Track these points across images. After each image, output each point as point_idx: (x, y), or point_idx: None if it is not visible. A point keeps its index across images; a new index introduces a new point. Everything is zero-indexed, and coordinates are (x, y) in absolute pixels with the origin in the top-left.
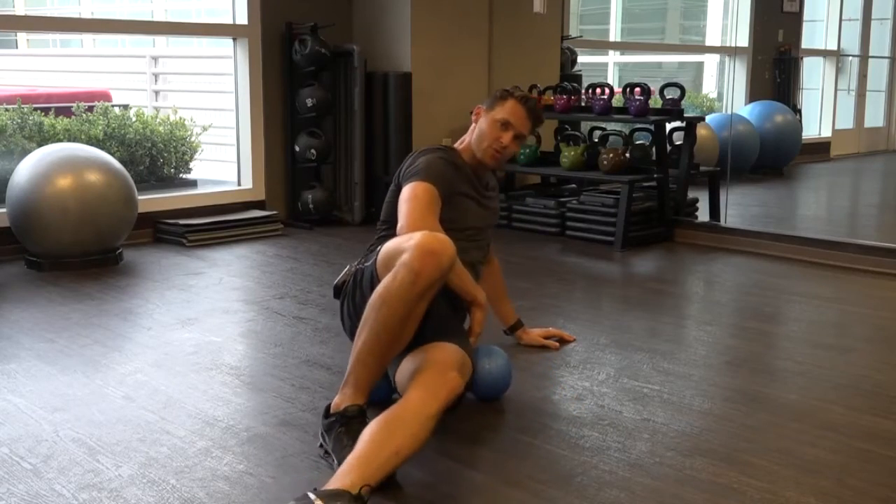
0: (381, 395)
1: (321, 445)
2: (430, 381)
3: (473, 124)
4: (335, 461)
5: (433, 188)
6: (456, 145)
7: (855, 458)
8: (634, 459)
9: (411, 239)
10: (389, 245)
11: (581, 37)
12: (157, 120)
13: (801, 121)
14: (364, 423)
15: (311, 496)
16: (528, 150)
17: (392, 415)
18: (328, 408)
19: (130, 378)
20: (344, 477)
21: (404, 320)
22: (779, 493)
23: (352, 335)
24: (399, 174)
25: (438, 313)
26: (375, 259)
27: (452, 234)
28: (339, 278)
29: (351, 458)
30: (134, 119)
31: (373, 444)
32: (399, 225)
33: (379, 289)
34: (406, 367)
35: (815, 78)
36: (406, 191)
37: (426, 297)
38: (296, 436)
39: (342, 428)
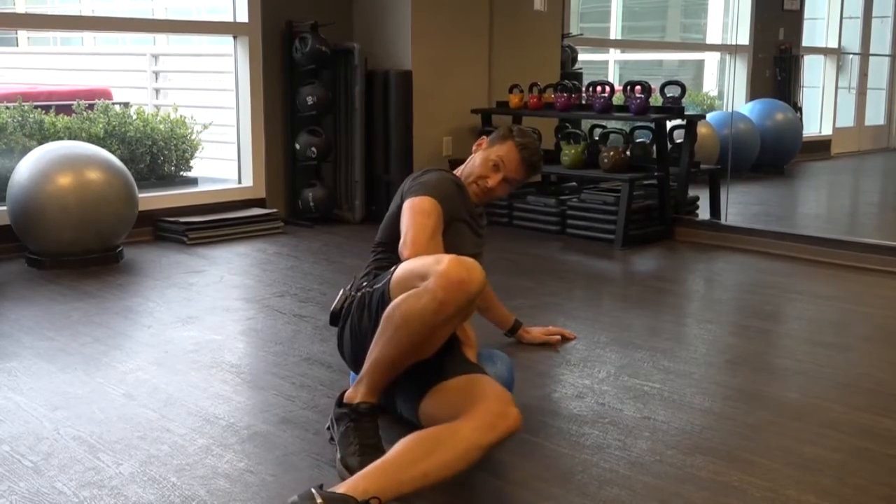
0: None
1: (328, 428)
2: (488, 413)
3: (473, 154)
4: (339, 455)
5: (439, 206)
6: (456, 172)
7: (855, 457)
8: (635, 457)
9: (439, 264)
10: (410, 266)
11: (581, 35)
12: (158, 118)
13: (801, 119)
14: (374, 422)
15: (314, 492)
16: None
17: (437, 434)
18: (341, 396)
19: (131, 376)
20: (357, 482)
21: (427, 339)
22: (779, 491)
23: (353, 360)
24: (402, 192)
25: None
26: (389, 281)
27: None
28: (335, 304)
29: (373, 465)
30: (134, 117)
31: (402, 459)
32: (403, 237)
33: (400, 304)
34: (439, 399)
35: (815, 76)
36: (413, 203)
37: (451, 323)
38: (296, 434)
39: (351, 424)
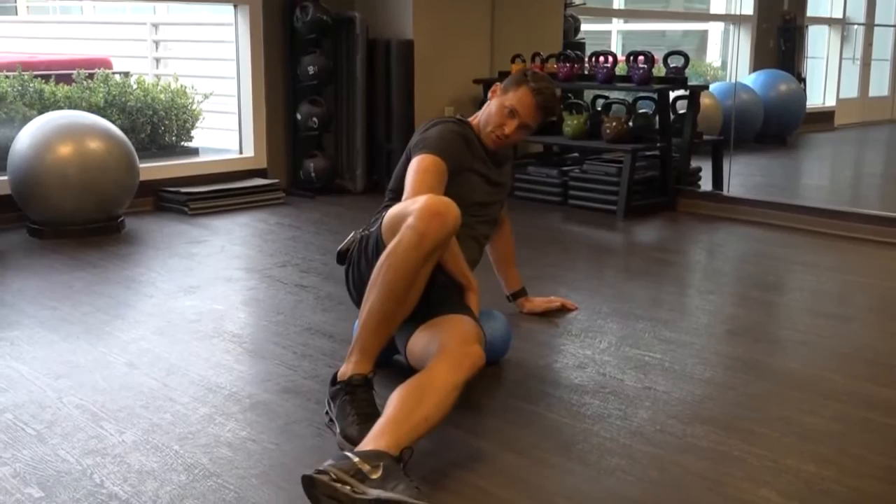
0: (381, 358)
1: (327, 413)
2: (454, 352)
3: (489, 101)
4: (338, 429)
5: (441, 161)
6: (469, 119)
7: (856, 427)
8: (636, 427)
9: (416, 202)
10: (394, 210)
11: (584, 4)
12: (159, 87)
13: (805, 90)
14: (369, 393)
15: (349, 454)
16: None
17: (419, 382)
18: (335, 376)
19: (133, 345)
20: (378, 439)
21: (410, 283)
22: (779, 460)
23: (358, 303)
24: (410, 146)
25: (442, 284)
26: (380, 224)
27: None
28: (343, 244)
29: (382, 422)
30: (135, 87)
31: (403, 409)
32: (404, 196)
33: (385, 252)
34: (420, 339)
35: (819, 46)
36: (414, 162)
37: (431, 259)
38: (298, 403)
39: (347, 397)
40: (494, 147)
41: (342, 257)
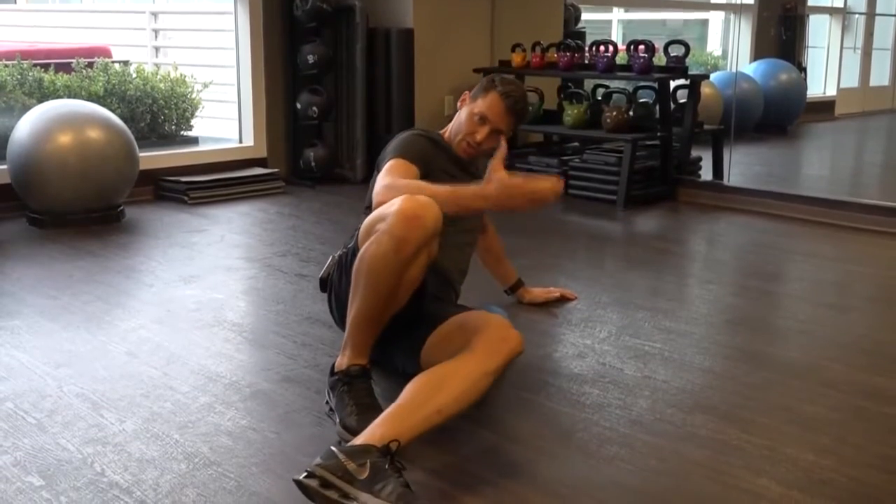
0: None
1: (327, 402)
2: (489, 339)
3: (458, 111)
4: (337, 419)
5: (405, 161)
6: (441, 132)
7: (854, 416)
8: (635, 416)
9: (392, 205)
10: (370, 217)
11: None
12: (158, 76)
13: (805, 79)
14: (367, 383)
15: (334, 449)
16: (531, 108)
17: (442, 370)
18: (333, 366)
19: (133, 334)
20: (374, 430)
21: (394, 287)
22: (778, 449)
23: (341, 324)
24: (379, 158)
25: (433, 296)
26: (357, 236)
27: None
28: (323, 271)
29: (388, 411)
30: (134, 75)
31: (414, 399)
32: (374, 199)
33: (363, 254)
34: (438, 343)
35: (820, 36)
36: (382, 171)
37: (416, 262)
38: (298, 392)
39: (345, 387)
40: (466, 156)
41: (324, 284)
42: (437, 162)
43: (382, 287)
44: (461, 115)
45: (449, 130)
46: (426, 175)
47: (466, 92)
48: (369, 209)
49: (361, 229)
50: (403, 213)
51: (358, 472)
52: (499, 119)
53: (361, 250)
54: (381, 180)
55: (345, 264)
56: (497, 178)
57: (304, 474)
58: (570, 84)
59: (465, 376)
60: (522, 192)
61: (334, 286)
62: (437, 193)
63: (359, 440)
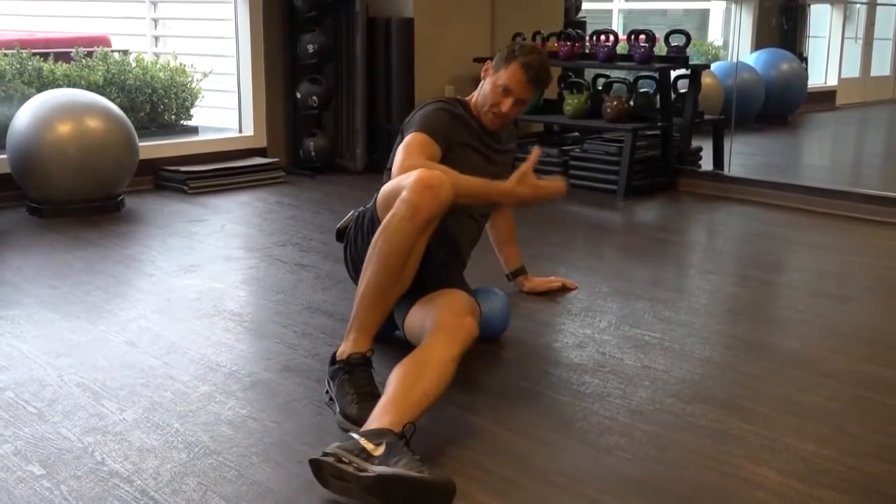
0: (382, 332)
1: (327, 392)
2: (447, 326)
3: (482, 80)
4: (337, 408)
5: (427, 137)
6: (467, 98)
7: (854, 406)
8: (635, 406)
9: (408, 177)
10: (388, 186)
11: None
12: (158, 66)
13: (806, 69)
14: (368, 372)
15: (357, 437)
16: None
17: (416, 358)
18: (334, 355)
19: (133, 324)
20: (382, 417)
21: (405, 257)
22: (778, 439)
23: (356, 280)
24: (403, 125)
25: (438, 262)
26: (375, 200)
27: None
28: (342, 222)
29: (384, 401)
30: (134, 65)
31: (403, 386)
32: (393, 174)
33: (380, 227)
34: (416, 315)
35: (822, 26)
36: (403, 144)
37: (426, 232)
38: (298, 381)
39: (345, 376)
40: (494, 127)
41: (341, 235)
42: (458, 136)
43: (394, 256)
44: (485, 87)
45: (475, 98)
46: (448, 150)
47: (489, 61)
48: (389, 172)
49: (379, 198)
50: (420, 181)
51: (375, 450)
52: (522, 89)
53: (383, 222)
54: (406, 158)
55: (360, 223)
56: (530, 182)
57: (322, 454)
58: (570, 73)
59: (438, 362)
60: (544, 195)
61: (350, 243)
62: (465, 184)
63: (371, 425)
